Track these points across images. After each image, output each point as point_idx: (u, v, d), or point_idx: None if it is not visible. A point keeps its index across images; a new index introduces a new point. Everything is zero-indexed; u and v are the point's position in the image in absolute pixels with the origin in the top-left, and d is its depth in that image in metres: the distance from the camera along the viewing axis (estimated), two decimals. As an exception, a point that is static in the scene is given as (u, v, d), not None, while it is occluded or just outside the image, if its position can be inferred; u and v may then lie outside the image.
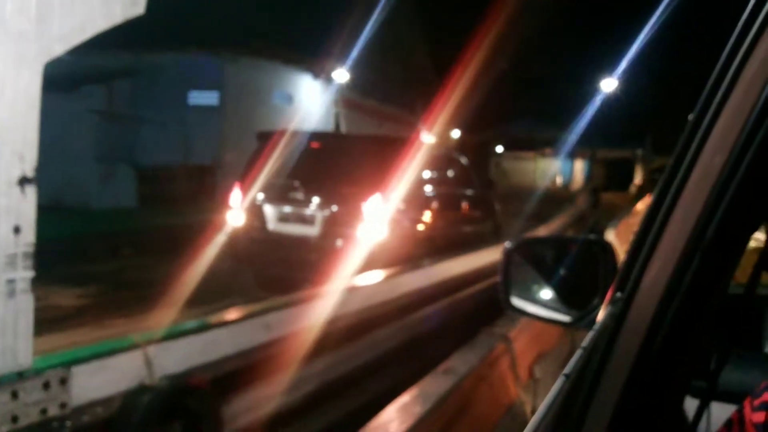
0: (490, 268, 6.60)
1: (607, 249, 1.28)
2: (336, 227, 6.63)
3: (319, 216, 6.72)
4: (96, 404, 2.63)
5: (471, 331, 4.29)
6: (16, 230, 2.41)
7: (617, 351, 0.77)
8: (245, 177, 7.06)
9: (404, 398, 3.09)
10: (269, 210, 6.99)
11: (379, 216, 6.55)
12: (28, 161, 2.44)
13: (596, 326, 0.84)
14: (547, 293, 1.37)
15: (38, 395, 2.45)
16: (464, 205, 8.78)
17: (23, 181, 2.43)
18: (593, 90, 28.19)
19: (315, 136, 7.88)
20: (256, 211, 7.01)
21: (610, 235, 9.06)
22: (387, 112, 26.20)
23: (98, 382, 2.67)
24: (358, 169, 6.90)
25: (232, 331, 3.48)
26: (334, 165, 7.06)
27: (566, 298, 1.32)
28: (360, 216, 6.56)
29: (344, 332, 4.30)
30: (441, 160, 8.54)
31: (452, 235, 8.02)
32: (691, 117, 0.82)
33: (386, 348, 4.89)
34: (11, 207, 2.40)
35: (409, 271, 6.03)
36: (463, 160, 9.26)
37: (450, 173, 8.61)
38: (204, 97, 15.90)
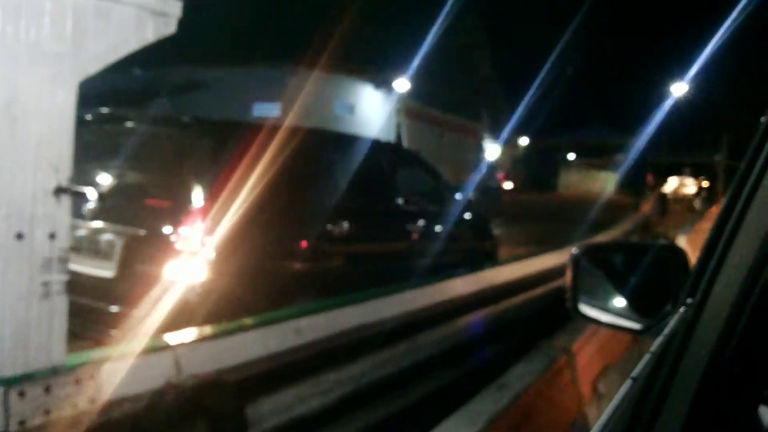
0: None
1: (679, 254, 1.25)
2: (140, 264, 4.17)
3: (118, 245, 4.23)
4: (124, 400, 2.79)
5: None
6: (52, 236, 2.59)
7: (688, 357, 0.74)
8: None
9: (455, 417, 3.00)
10: None
11: (207, 245, 4.02)
12: (62, 172, 2.62)
13: (666, 331, 0.81)
14: (616, 300, 1.34)
15: (70, 390, 2.63)
16: (387, 223, 5.83)
17: (58, 191, 2.61)
18: (665, 95, 27.44)
19: (107, 117, 5.11)
20: None
21: (682, 241, 8.66)
22: (450, 120, 26.23)
23: (127, 379, 2.83)
24: (180, 170, 4.40)
25: (262, 335, 3.60)
26: (145, 164, 4.54)
27: (637, 304, 1.29)
28: (176, 246, 4.05)
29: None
30: (338, 155, 5.53)
31: (354, 271, 5.20)
32: (764, 119, 0.80)
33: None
34: (48, 214, 2.58)
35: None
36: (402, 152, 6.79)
37: (361, 173, 5.29)
38: (267, 109, 16.36)
